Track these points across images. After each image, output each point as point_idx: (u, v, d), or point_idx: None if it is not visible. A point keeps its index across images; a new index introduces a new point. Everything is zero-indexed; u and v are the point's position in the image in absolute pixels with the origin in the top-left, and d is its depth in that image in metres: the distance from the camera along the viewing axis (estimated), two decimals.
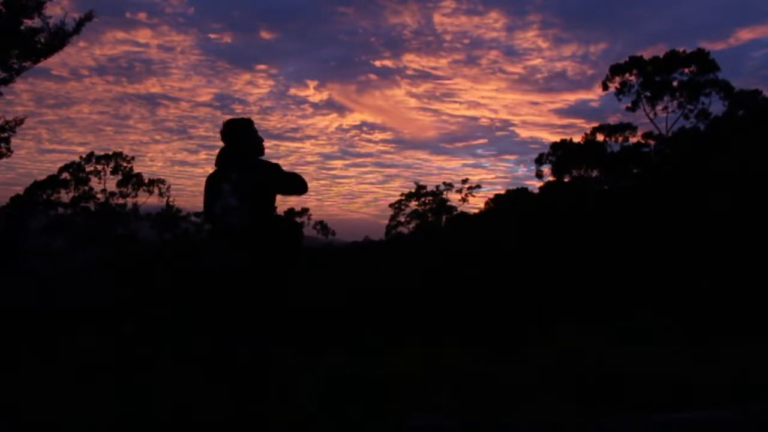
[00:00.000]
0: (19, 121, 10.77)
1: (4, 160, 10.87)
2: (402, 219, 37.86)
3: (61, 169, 31.13)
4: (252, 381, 3.11)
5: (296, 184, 3.26)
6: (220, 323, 3.18)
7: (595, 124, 30.67)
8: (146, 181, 31.99)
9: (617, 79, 27.34)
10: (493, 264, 20.95)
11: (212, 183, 3.25)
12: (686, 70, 26.12)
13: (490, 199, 36.88)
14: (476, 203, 58.54)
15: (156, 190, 32.03)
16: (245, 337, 3.15)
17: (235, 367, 3.16)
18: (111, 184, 31.96)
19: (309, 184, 3.33)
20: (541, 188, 30.09)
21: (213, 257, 3.17)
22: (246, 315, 3.11)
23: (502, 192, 36.59)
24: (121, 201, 31.69)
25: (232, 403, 3.05)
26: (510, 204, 31.76)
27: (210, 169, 3.37)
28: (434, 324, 13.82)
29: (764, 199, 16.79)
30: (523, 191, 33.87)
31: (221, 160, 3.27)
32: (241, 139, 3.26)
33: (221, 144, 3.32)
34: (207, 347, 3.24)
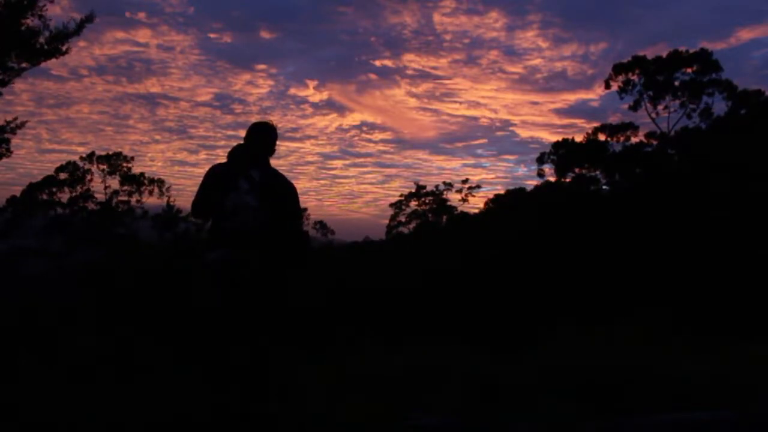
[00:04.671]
0: (20, 125, 10.75)
1: (4, 160, 10.84)
2: (402, 219, 37.85)
3: (59, 169, 31.14)
4: (252, 381, 3.09)
5: (296, 223, 3.29)
6: (222, 323, 3.14)
7: (595, 124, 30.67)
8: (146, 182, 31.97)
9: (620, 78, 27.37)
10: (493, 264, 20.93)
11: (222, 176, 3.11)
12: (688, 70, 26.14)
13: (490, 199, 36.84)
14: (476, 203, 58.49)
15: (156, 190, 32.03)
16: (246, 337, 3.13)
17: (235, 367, 3.14)
18: (110, 183, 32.00)
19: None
20: (536, 188, 30.04)
21: (218, 257, 3.09)
22: (249, 316, 3.09)
23: (502, 192, 36.54)
24: (124, 198, 31.71)
25: (232, 403, 3.04)
26: (510, 204, 31.70)
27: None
28: (434, 324, 13.80)
29: (765, 198, 16.76)
30: (523, 191, 33.84)
31: (237, 157, 3.16)
32: (274, 144, 3.28)
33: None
34: (208, 347, 3.20)
